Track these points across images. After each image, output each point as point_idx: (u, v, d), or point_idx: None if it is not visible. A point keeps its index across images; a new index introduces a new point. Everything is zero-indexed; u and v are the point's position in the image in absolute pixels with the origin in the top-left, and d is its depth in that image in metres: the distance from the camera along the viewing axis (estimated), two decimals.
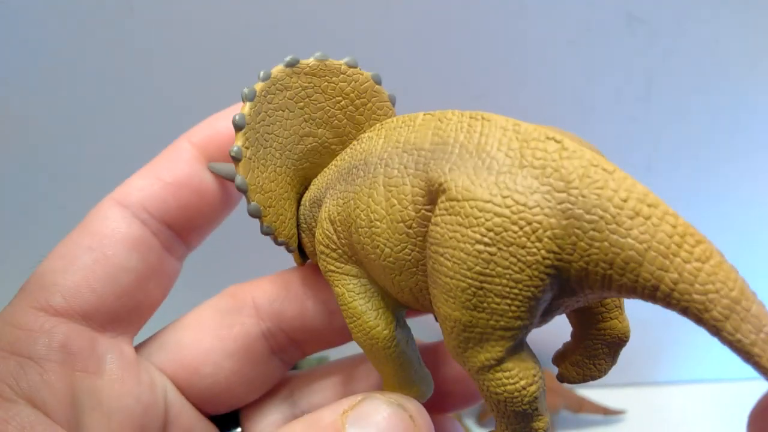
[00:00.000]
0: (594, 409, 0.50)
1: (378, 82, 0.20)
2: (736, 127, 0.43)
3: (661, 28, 0.39)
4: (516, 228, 0.14)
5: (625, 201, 0.14)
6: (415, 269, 0.17)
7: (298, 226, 0.21)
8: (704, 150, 0.43)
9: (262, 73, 0.19)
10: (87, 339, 0.19)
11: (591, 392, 0.51)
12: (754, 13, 0.39)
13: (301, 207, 0.21)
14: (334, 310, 0.22)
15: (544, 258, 0.14)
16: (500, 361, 0.15)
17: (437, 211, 0.15)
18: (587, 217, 0.14)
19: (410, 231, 0.16)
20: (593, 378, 0.18)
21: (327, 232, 0.19)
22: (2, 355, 0.18)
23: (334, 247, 0.19)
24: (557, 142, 0.14)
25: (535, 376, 0.15)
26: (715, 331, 0.13)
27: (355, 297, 0.18)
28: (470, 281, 0.14)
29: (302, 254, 0.21)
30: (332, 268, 0.19)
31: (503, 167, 0.14)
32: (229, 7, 0.37)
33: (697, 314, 0.13)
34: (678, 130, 0.43)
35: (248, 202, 0.19)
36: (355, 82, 0.20)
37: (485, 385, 0.15)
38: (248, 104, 0.19)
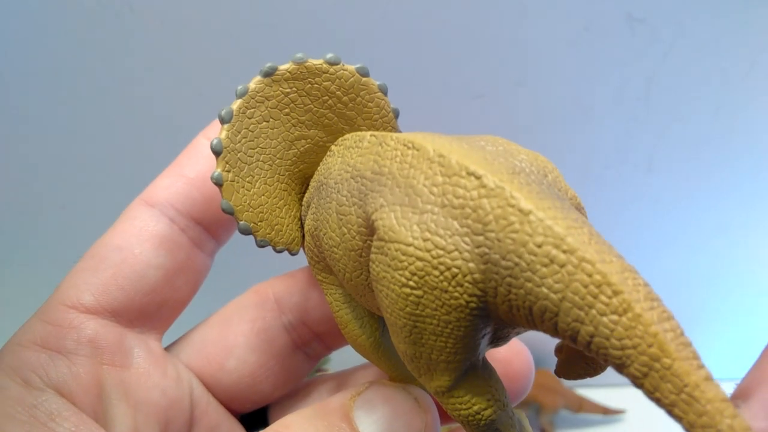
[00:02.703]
0: (594, 409, 0.50)
1: (364, 75, 0.20)
2: (737, 127, 0.43)
3: (661, 28, 0.39)
4: (437, 273, 0.14)
5: (539, 247, 0.13)
6: (373, 293, 0.16)
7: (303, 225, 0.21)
8: (704, 150, 0.43)
9: (239, 89, 0.19)
10: (115, 334, 0.20)
11: (591, 392, 0.51)
12: (754, 13, 0.39)
13: (302, 208, 0.21)
14: None
15: (468, 302, 0.14)
16: (451, 389, 0.15)
17: (373, 248, 0.15)
18: (503, 263, 0.13)
19: (362, 260, 0.16)
20: (588, 376, 0.17)
21: (309, 245, 0.19)
22: (34, 348, 0.19)
23: (317, 259, 0.19)
24: (477, 178, 0.14)
25: (489, 400, 0.15)
26: (637, 386, 0.12)
27: (341, 306, 0.19)
28: (405, 320, 0.14)
29: None
30: (320, 277, 0.19)
31: (426, 206, 0.14)
32: (230, 3, 0.37)
33: (617, 368, 0.12)
34: (678, 130, 0.43)
35: (237, 222, 0.19)
36: (340, 79, 0.19)
37: (445, 407, 0.15)
38: (225, 127, 0.18)
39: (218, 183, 0.18)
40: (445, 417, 0.22)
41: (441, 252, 0.14)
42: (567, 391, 0.49)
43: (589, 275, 0.12)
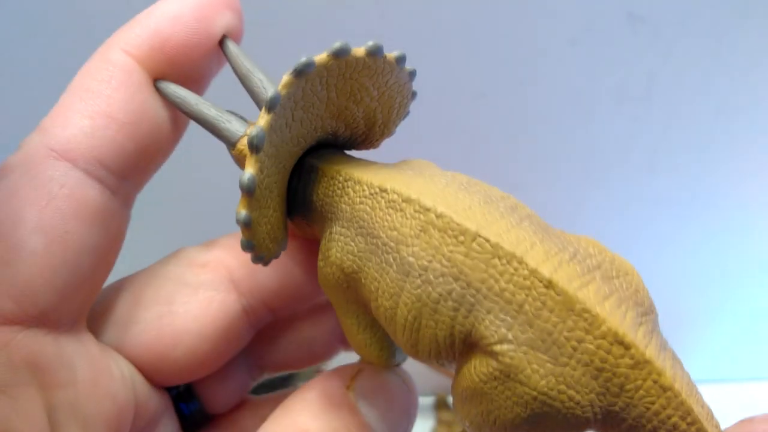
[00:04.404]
0: None
1: (402, 64, 0.17)
2: (738, 127, 0.42)
3: (663, 27, 0.39)
4: (563, 419, 0.14)
5: (669, 418, 0.14)
6: (428, 360, 0.17)
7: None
8: (706, 150, 0.43)
9: (270, 99, 0.15)
10: (52, 345, 0.16)
11: None
12: (756, 13, 0.39)
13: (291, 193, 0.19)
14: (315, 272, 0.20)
15: None
16: None
17: (485, 370, 0.15)
18: (629, 421, 0.14)
19: (441, 350, 0.16)
20: None
21: (336, 276, 0.17)
22: None
23: (341, 291, 0.18)
24: (626, 348, 0.14)
25: None
26: None
27: (360, 331, 0.18)
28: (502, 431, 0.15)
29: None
30: (338, 302, 0.18)
31: (566, 359, 0.14)
32: None
33: None
34: (680, 129, 0.42)
35: (255, 255, 0.17)
36: (379, 75, 0.17)
37: None
38: (257, 157, 0.15)
39: (246, 226, 0.16)
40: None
41: (574, 405, 0.14)
42: None
43: None
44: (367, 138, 0.20)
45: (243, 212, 0.16)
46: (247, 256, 0.19)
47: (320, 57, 0.16)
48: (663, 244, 0.47)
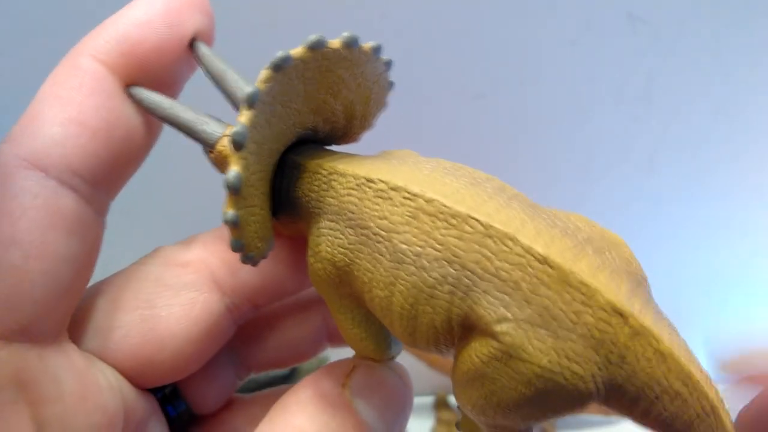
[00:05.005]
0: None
1: (378, 54, 0.18)
2: (737, 127, 0.42)
3: (662, 27, 0.39)
4: (566, 394, 0.14)
5: (669, 383, 0.14)
6: (426, 348, 0.17)
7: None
8: (705, 150, 0.43)
9: (248, 95, 0.15)
10: (35, 359, 0.15)
11: None
12: (755, 13, 0.39)
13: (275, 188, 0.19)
14: (302, 268, 0.20)
15: (583, 406, 0.15)
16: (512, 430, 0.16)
17: (486, 351, 0.15)
18: (631, 389, 0.14)
19: (439, 336, 0.16)
20: None
21: (328, 271, 0.17)
22: None
23: (334, 285, 0.17)
24: (623, 317, 0.14)
25: None
26: None
27: (355, 326, 0.18)
28: (512, 420, 0.15)
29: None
30: (331, 298, 0.18)
31: (565, 332, 0.14)
32: (227, 3, 0.37)
33: None
34: (679, 129, 0.42)
35: (244, 255, 0.17)
36: (356, 66, 0.17)
37: None
38: (242, 154, 0.15)
39: (234, 225, 0.16)
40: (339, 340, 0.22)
41: (578, 378, 0.14)
42: None
43: (703, 407, 0.15)
44: (347, 132, 0.20)
45: (230, 212, 0.16)
46: (228, 253, 0.19)
47: (297, 50, 0.16)
48: (662, 244, 0.47)
